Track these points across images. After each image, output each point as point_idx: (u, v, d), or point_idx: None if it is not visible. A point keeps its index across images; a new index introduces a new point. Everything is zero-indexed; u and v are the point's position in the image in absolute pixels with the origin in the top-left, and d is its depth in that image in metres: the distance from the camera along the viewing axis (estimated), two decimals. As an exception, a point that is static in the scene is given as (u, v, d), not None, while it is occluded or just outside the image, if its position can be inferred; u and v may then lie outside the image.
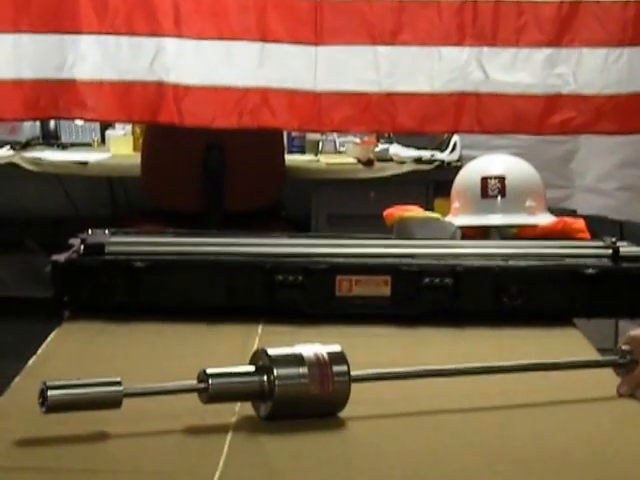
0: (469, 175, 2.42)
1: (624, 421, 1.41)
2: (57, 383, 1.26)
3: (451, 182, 2.47)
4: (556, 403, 1.45)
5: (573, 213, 2.59)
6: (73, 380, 1.28)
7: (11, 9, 2.66)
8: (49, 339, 1.73)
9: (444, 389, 1.45)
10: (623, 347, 1.51)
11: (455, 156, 3.49)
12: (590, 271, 1.89)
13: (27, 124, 3.76)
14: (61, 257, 1.86)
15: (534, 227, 2.28)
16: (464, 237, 2.23)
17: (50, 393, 1.24)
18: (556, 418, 1.41)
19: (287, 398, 1.32)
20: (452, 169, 3.09)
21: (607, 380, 1.52)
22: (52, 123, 3.80)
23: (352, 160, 3.60)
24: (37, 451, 1.24)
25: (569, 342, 1.78)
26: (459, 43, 2.68)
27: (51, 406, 1.25)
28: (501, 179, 2.35)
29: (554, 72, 2.69)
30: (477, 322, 1.84)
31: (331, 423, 1.34)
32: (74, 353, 1.68)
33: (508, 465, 1.22)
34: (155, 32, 2.67)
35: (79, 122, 3.74)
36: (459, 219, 2.34)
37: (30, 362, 1.59)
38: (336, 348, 1.37)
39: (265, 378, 1.32)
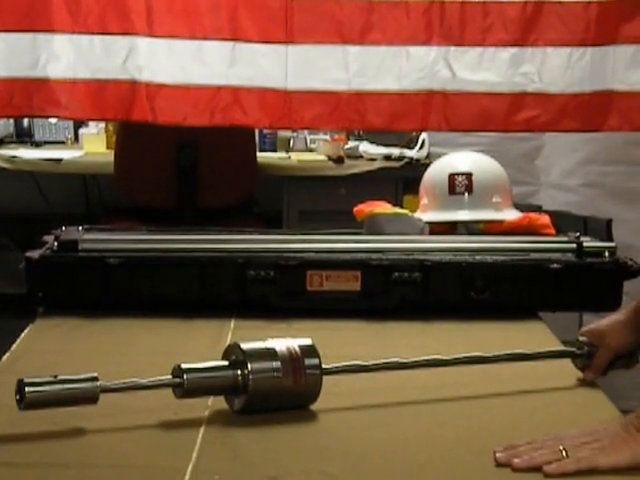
0: (437, 172, 2.45)
1: (586, 409, 1.45)
2: (34, 380, 1.26)
3: (420, 179, 2.50)
4: (521, 393, 1.48)
5: (538, 209, 2.62)
6: (50, 376, 1.28)
7: (-17, 9, 2.66)
8: (23, 335, 1.74)
9: (413, 381, 1.48)
10: (580, 339, 1.57)
11: (423, 153, 3.52)
12: (555, 266, 1.93)
13: (0, 122, 3.75)
14: (35, 254, 1.87)
15: (500, 223, 2.30)
16: (432, 233, 2.26)
17: (28, 390, 1.25)
18: (521, 407, 1.44)
19: (261, 391, 1.33)
20: (420, 166, 3.11)
21: (569, 370, 1.56)
22: (26, 121, 3.78)
23: (323, 157, 3.62)
24: (11, 446, 1.24)
25: (534, 334, 1.81)
26: (427, 42, 2.71)
27: (29, 403, 1.25)
28: (468, 176, 2.39)
29: (519, 71, 2.72)
30: (445, 316, 1.87)
31: (303, 415, 1.36)
32: (48, 349, 1.69)
33: (475, 455, 1.24)
34: (128, 31, 2.67)
35: (53, 120, 3.74)
36: (427, 215, 2.37)
37: (4, 358, 1.59)
38: (307, 341, 1.39)
39: (239, 372, 1.34)
